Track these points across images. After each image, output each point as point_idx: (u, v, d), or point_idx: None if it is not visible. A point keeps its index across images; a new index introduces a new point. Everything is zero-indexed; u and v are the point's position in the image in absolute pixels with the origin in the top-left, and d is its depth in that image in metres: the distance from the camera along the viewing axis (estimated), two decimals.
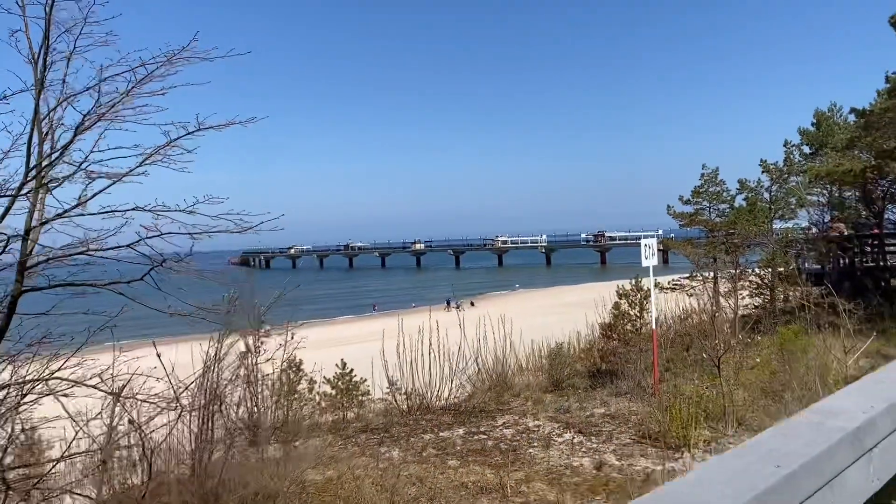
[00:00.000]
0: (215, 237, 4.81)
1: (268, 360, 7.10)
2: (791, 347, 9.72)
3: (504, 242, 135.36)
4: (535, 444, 8.18)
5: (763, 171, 20.40)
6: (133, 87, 4.22)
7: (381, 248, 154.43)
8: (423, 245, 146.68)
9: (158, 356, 4.62)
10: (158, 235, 4.24)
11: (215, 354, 5.59)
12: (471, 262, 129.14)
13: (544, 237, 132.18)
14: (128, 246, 4.27)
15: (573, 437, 8.42)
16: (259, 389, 8.78)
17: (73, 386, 4.09)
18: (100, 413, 4.73)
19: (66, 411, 4.29)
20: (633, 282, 13.37)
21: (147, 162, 4.82)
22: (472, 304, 62.69)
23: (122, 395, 4.33)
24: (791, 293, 17.96)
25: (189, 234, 4.25)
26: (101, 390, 4.23)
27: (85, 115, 4.15)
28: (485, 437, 8.57)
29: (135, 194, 4.73)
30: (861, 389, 1.91)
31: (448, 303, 58.91)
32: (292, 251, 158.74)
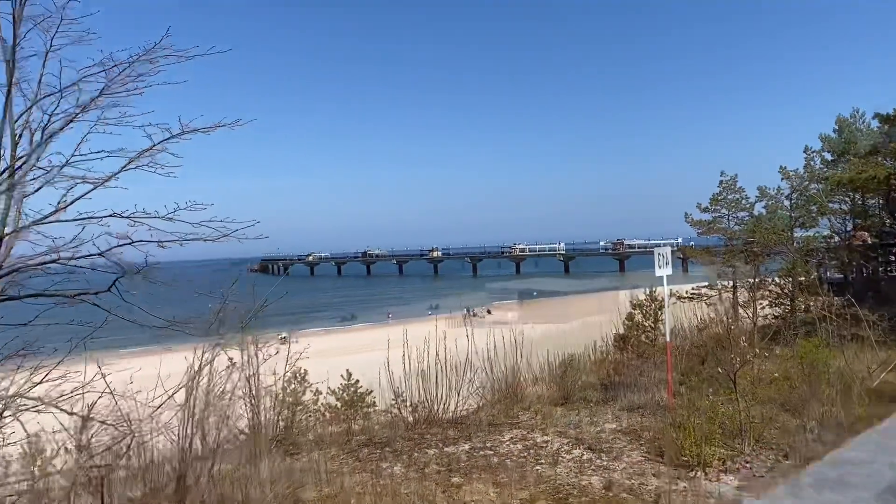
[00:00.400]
0: (241, 244, 4.64)
1: (247, 373, 6.83)
2: (811, 361, 9.32)
3: (522, 250, 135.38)
4: (543, 461, 7.87)
5: (783, 178, 19.97)
6: (105, 88, 4.02)
7: (398, 256, 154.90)
8: (440, 252, 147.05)
9: (104, 377, 4.38)
10: (129, 243, 4.03)
11: (199, 367, 5.37)
12: (488, 269, 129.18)
13: (562, 245, 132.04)
14: (99, 254, 4.06)
15: (582, 454, 8.10)
16: (258, 401, 8.57)
17: (40, 405, 3.87)
18: (74, 433, 4.51)
19: (25, 430, 4.08)
20: (648, 292, 13.03)
21: (130, 166, 4.61)
22: (489, 311, 62.45)
23: (88, 416, 4.10)
24: (812, 303, 17.46)
25: (158, 241, 4.04)
26: (64, 411, 4.01)
27: (51, 116, 3.97)
28: (491, 452, 8.27)
29: (122, 202, 4.53)
30: (888, 433, 1.60)
31: (468, 311, 58.79)
32: (310, 258, 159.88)
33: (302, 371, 10.16)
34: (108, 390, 4.31)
